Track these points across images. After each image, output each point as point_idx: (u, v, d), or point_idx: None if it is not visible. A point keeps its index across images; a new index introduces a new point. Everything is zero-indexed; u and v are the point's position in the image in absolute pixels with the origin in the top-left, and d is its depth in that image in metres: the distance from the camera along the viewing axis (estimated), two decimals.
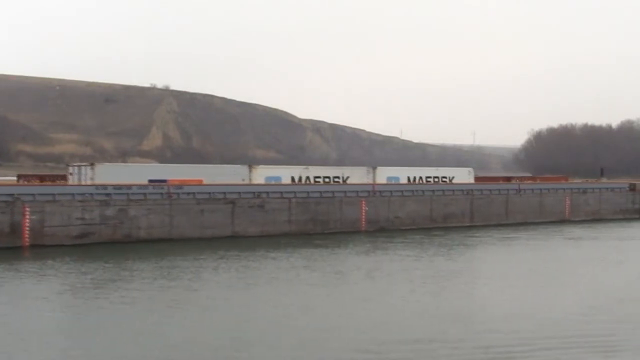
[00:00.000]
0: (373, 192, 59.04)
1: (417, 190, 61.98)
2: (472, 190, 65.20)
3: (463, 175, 67.16)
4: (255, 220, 52.83)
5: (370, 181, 60.47)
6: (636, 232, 63.87)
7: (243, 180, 53.85)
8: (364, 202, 57.88)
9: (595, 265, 41.66)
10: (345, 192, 57.88)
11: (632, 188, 76.55)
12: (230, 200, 51.79)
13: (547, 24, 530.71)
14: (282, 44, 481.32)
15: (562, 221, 69.44)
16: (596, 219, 71.95)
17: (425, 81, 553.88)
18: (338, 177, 59.13)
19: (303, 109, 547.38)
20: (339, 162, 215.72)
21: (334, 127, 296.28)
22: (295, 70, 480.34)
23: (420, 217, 61.31)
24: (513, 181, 72.06)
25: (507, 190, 67.71)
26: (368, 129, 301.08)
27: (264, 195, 53.56)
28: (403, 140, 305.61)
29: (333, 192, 57.15)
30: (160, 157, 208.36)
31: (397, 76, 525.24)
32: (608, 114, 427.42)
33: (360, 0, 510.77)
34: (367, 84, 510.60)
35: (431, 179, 65.04)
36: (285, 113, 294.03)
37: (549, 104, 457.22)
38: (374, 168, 62.42)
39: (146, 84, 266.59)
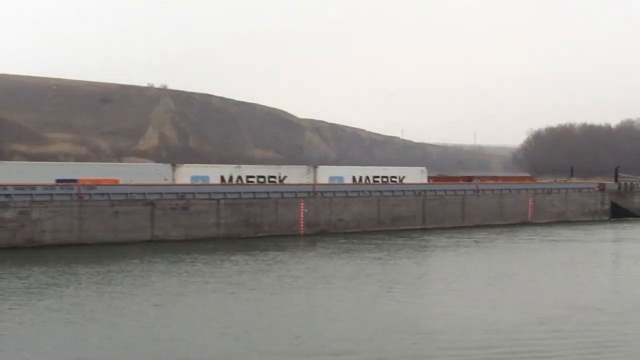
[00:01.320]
0: (313, 193, 55.63)
1: (363, 191, 58.49)
2: (424, 190, 61.61)
3: (415, 175, 63.46)
4: (178, 223, 49.55)
5: (311, 181, 56.98)
6: (602, 234, 59.94)
7: (165, 180, 50.51)
8: (302, 203, 54.51)
9: (543, 273, 38.16)
10: (282, 192, 54.50)
11: (602, 188, 72.55)
12: (149, 201, 48.53)
13: (547, 23, 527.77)
14: (282, 43, 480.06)
15: (525, 223, 65.72)
16: (562, 220, 68.13)
17: (427, 81, 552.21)
18: (274, 177, 55.66)
19: (302, 108, 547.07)
20: (339, 162, 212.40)
21: (333, 127, 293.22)
22: (295, 70, 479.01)
23: (367, 219, 57.85)
24: (474, 181, 68.25)
25: (464, 190, 64.04)
26: (368, 129, 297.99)
27: (189, 196, 50.27)
28: (403, 140, 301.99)
29: (268, 192, 53.78)
30: (157, 156, 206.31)
31: (397, 76, 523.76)
32: (609, 114, 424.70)
33: (360, 0, 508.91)
34: (368, 83, 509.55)
35: (379, 179, 61.36)
36: (285, 113, 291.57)
37: (550, 103, 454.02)
38: (315, 167, 58.86)
39: (144, 84, 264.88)
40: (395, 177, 62.30)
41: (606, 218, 71.31)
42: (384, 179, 61.66)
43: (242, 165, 56.39)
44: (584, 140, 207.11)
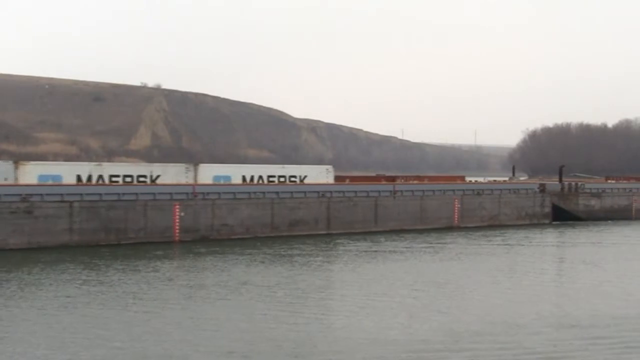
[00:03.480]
0: (193, 195, 49.45)
1: (255, 192, 52.14)
2: (330, 191, 55.20)
3: (318, 174, 56.90)
4: (19, 229, 43.48)
5: (190, 181, 50.75)
6: (538, 239, 53.16)
7: (6, 179, 44.48)
8: (177, 206, 48.36)
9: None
10: (154, 194, 48.30)
11: (542, 189, 65.53)
12: None
13: (546, 24, 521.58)
14: (279, 42, 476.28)
15: (450, 228, 59.07)
16: (494, 225, 61.33)
17: (426, 81, 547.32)
18: (144, 176, 49.42)
19: (299, 108, 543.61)
20: (335, 162, 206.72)
21: (330, 127, 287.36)
22: (291, 69, 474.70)
23: (258, 224, 51.58)
24: (398, 181, 61.61)
25: (378, 192, 57.46)
26: (366, 129, 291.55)
27: (35, 198, 44.20)
28: (401, 140, 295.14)
29: (137, 194, 47.61)
30: (148, 156, 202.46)
31: (397, 76, 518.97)
32: (610, 114, 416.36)
33: (358, 0, 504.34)
34: (367, 83, 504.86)
35: (275, 179, 54.95)
36: (280, 112, 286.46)
37: (551, 103, 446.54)
38: (196, 165, 52.44)
39: (137, 83, 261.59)
40: (294, 176, 55.78)
41: (547, 222, 64.32)
42: (282, 179, 55.22)
43: (104, 164, 50.30)
44: (580, 139, 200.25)
